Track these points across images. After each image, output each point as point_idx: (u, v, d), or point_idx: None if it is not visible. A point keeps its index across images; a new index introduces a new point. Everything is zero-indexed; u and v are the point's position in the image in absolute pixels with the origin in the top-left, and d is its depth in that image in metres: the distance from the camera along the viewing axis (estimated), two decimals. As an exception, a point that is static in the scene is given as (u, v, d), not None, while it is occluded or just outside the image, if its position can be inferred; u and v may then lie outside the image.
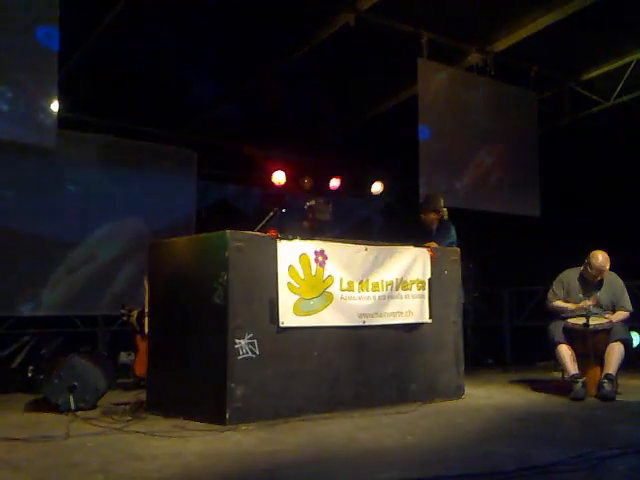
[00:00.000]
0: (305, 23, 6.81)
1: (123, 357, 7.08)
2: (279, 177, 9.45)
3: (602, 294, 5.76)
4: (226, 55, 7.23)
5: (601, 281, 5.80)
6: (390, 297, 5.20)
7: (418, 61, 7.41)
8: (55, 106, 5.29)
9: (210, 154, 9.25)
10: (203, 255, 4.73)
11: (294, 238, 4.75)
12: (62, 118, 5.79)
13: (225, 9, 6.35)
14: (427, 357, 5.40)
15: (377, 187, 10.33)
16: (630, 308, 5.77)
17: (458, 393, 5.55)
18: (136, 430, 4.11)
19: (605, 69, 8.20)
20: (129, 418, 4.50)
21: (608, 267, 5.74)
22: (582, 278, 5.86)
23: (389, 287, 5.20)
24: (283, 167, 9.48)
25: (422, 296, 5.39)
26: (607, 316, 5.64)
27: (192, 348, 4.62)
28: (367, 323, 5.05)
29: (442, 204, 6.30)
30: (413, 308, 5.33)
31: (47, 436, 3.92)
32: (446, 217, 6.28)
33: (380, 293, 5.14)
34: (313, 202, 6.14)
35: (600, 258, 5.68)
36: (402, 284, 5.28)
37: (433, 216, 6.27)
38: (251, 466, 3.30)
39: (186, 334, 4.69)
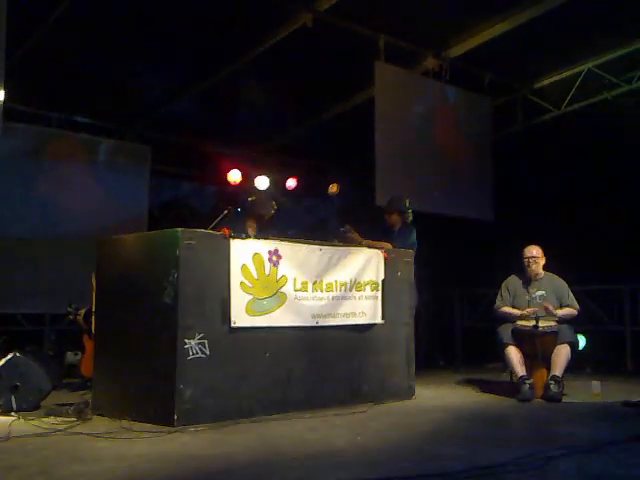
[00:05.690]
0: (263, 22, 6.76)
1: (70, 357, 6.87)
2: (234, 176, 9.35)
3: (547, 293, 5.90)
4: (182, 52, 7.11)
5: (542, 279, 5.97)
6: (344, 298, 5.20)
7: (375, 64, 7.43)
8: (1, 96, 5.08)
9: (165, 150, 9.07)
10: (153, 253, 4.63)
11: (247, 237, 4.71)
12: (8, 109, 5.58)
13: (181, 5, 6.25)
14: (379, 358, 5.42)
15: (334, 188, 10.33)
16: (577, 306, 5.92)
17: (409, 394, 5.58)
18: (80, 432, 4.00)
19: (557, 77, 8.39)
20: (73, 419, 4.36)
21: (541, 256, 5.99)
22: (525, 279, 6.02)
23: (343, 288, 5.20)
24: (239, 166, 9.38)
25: (375, 297, 5.40)
26: (553, 311, 5.75)
27: (141, 348, 4.52)
28: (320, 324, 5.03)
29: (407, 206, 6.29)
30: (366, 309, 5.34)
31: (-14, 438, 3.77)
32: (410, 219, 6.27)
33: (334, 294, 5.14)
34: (254, 197, 6.06)
35: (530, 247, 6.04)
36: (356, 285, 5.28)
37: (397, 217, 6.26)
38: (199, 469, 3.23)
39: (135, 334, 4.58)
